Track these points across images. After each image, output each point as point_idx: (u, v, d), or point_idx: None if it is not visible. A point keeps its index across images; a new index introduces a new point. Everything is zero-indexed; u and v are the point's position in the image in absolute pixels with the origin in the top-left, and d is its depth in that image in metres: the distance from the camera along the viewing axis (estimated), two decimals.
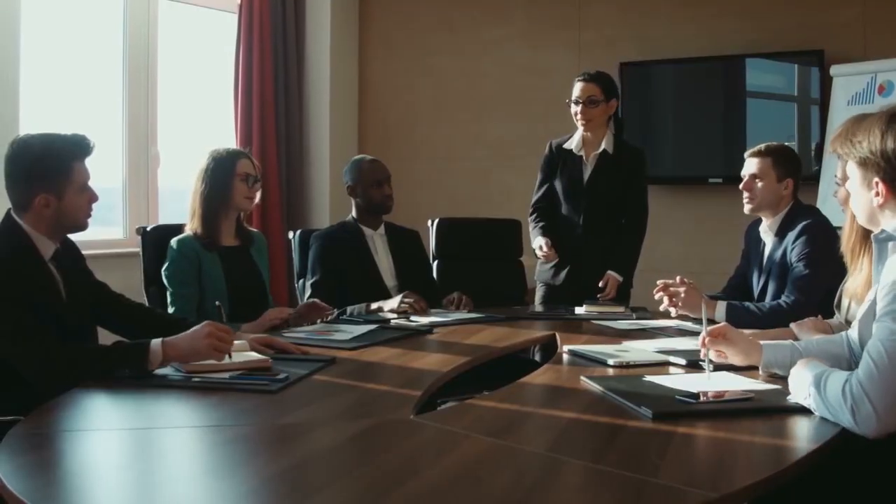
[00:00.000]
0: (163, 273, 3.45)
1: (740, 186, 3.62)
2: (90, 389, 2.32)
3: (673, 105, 6.19)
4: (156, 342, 2.47)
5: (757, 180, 3.57)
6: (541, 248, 4.16)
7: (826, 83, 5.46)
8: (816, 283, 3.29)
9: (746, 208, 3.62)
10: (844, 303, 2.90)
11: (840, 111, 5.26)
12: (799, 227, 3.43)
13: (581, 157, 4.26)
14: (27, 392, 2.40)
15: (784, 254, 3.46)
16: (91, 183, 2.74)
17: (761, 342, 2.49)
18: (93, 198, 2.74)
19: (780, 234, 3.52)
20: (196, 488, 1.61)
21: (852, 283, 2.57)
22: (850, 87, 5.29)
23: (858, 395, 1.89)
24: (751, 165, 3.61)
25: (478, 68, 6.69)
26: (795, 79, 5.68)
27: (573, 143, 4.28)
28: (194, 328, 2.52)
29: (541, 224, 4.30)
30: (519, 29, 6.55)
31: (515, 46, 6.56)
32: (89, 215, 2.74)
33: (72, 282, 2.73)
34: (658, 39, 6.07)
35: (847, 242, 2.57)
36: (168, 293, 3.43)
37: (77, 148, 2.69)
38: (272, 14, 6.24)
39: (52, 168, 2.62)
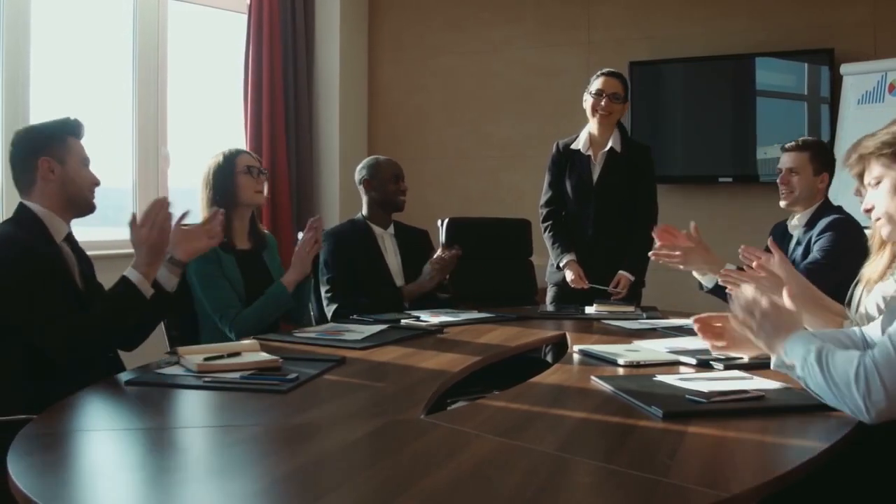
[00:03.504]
0: (190, 278, 3.42)
1: (778, 180, 3.64)
2: (101, 389, 2.33)
3: (683, 104, 6.18)
4: (130, 272, 2.66)
5: (794, 174, 3.60)
6: (572, 281, 4.16)
7: (836, 82, 5.45)
8: (828, 274, 3.26)
9: (782, 203, 3.66)
10: (857, 294, 2.88)
11: (850, 110, 5.26)
12: (825, 222, 3.45)
13: (589, 156, 4.26)
14: (38, 391, 2.42)
15: (807, 248, 3.47)
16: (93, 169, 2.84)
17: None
18: (95, 179, 2.82)
19: (807, 229, 3.55)
20: (207, 488, 1.61)
21: (869, 269, 2.54)
22: (860, 85, 5.27)
23: (871, 374, 1.86)
24: (788, 159, 3.63)
25: (487, 68, 6.70)
26: (805, 78, 5.67)
27: (580, 143, 4.28)
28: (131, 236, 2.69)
29: (559, 237, 4.29)
30: (528, 29, 6.56)
31: (524, 46, 6.57)
32: (93, 193, 2.82)
33: (83, 269, 2.81)
34: (667, 39, 6.07)
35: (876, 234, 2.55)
36: (199, 293, 3.42)
37: (69, 125, 2.81)
38: (282, 14, 6.25)
39: (51, 137, 2.75)
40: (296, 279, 3.50)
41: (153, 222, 2.68)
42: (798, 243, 3.57)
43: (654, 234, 3.25)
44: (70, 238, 2.79)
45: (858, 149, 2.31)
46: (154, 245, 2.68)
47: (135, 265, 2.67)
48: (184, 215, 2.89)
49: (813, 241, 3.47)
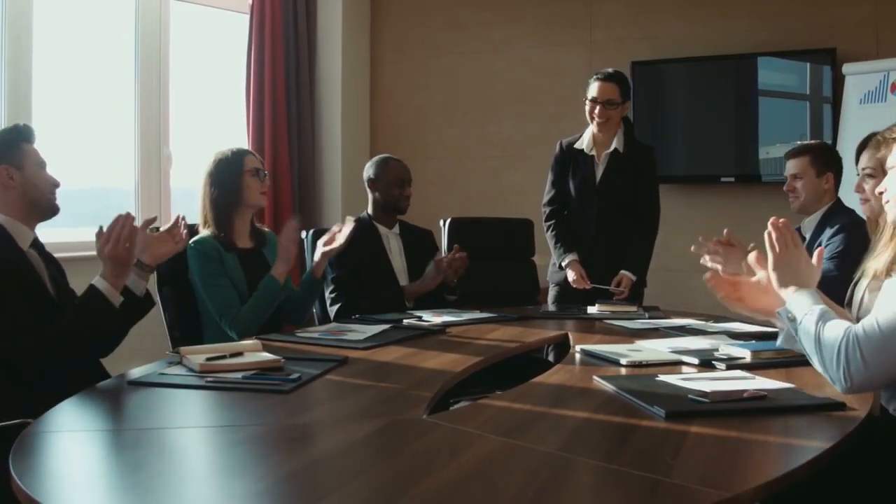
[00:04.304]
0: (193, 278, 3.44)
1: (784, 188, 3.67)
2: (103, 390, 2.34)
3: (685, 104, 6.17)
4: (98, 282, 2.66)
5: (797, 179, 3.63)
6: (574, 281, 4.17)
7: (838, 82, 5.44)
8: (839, 280, 3.26)
9: (792, 207, 3.68)
10: (858, 292, 2.86)
11: (852, 110, 5.26)
12: (836, 225, 3.45)
13: (592, 156, 4.25)
14: (36, 394, 2.42)
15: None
16: (50, 171, 2.84)
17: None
18: (55, 181, 2.82)
19: (819, 230, 3.56)
20: (209, 488, 1.62)
21: (874, 263, 2.52)
22: (862, 85, 5.27)
23: (853, 347, 1.92)
24: (790, 166, 3.68)
25: (489, 68, 6.70)
26: (807, 77, 5.66)
27: (584, 143, 4.28)
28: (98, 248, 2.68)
29: (562, 237, 4.30)
30: (530, 29, 6.56)
31: (526, 46, 6.56)
32: (55, 194, 2.82)
33: (52, 274, 2.80)
34: (669, 38, 6.06)
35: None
36: (202, 293, 3.43)
37: (20, 131, 2.80)
38: (284, 15, 6.25)
39: (6, 144, 2.74)
40: (284, 270, 3.48)
41: (117, 238, 2.67)
42: (809, 246, 3.57)
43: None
44: (36, 244, 2.78)
45: (885, 133, 2.35)
46: (118, 259, 2.68)
47: (103, 275, 2.67)
48: (150, 221, 2.91)
49: (824, 245, 3.47)
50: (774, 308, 2.37)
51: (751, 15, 5.84)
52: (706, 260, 3.12)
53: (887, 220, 2.35)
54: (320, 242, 3.69)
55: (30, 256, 2.71)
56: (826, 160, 3.65)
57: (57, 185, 2.82)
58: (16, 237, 2.68)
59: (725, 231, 3.05)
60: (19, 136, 2.77)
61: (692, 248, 3.14)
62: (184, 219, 3.10)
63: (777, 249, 2.30)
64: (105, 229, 2.70)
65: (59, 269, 2.89)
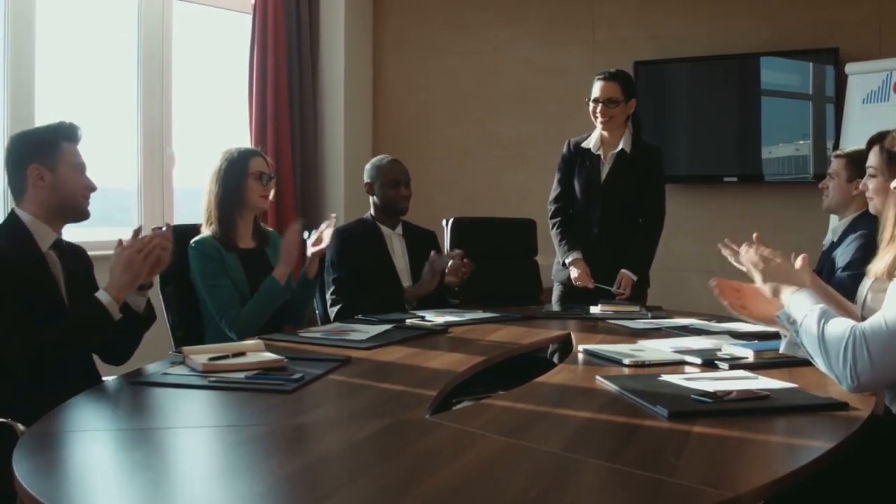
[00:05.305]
0: (194, 278, 3.44)
1: (819, 185, 3.72)
2: (106, 389, 2.34)
3: (687, 104, 6.17)
4: (101, 294, 2.60)
5: (831, 179, 3.67)
6: (576, 279, 4.17)
7: (841, 81, 5.44)
8: (850, 286, 3.26)
9: (823, 205, 3.75)
10: (863, 291, 2.86)
11: (855, 109, 5.25)
12: (859, 232, 3.46)
13: (599, 156, 4.25)
14: (29, 394, 2.43)
15: (837, 255, 3.49)
16: (90, 175, 2.80)
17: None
18: (90, 185, 2.78)
19: (843, 236, 3.56)
20: (212, 488, 1.62)
21: (876, 266, 2.52)
22: (865, 85, 5.26)
23: (860, 345, 1.92)
24: (831, 164, 3.70)
25: (491, 68, 6.70)
26: (810, 77, 5.66)
27: (591, 142, 4.28)
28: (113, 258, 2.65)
29: (567, 235, 4.30)
30: (532, 29, 6.55)
31: (528, 46, 6.56)
32: (87, 199, 2.78)
33: (73, 273, 2.77)
34: (672, 38, 6.06)
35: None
36: (203, 294, 3.44)
37: (62, 129, 2.75)
38: (286, 14, 6.25)
39: (42, 143, 2.70)
40: (286, 272, 3.49)
41: (142, 246, 2.65)
42: (832, 249, 3.57)
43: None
44: (59, 245, 2.74)
45: None
46: (132, 265, 2.63)
47: (107, 287, 2.62)
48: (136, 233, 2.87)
49: (840, 254, 3.46)
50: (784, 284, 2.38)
51: (753, 15, 5.83)
52: (729, 257, 3.12)
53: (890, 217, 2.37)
54: (309, 242, 3.68)
55: (48, 258, 2.68)
56: (860, 167, 3.62)
57: (93, 188, 2.77)
58: (37, 237, 2.66)
59: (755, 235, 3.05)
60: (59, 134, 2.72)
61: (718, 244, 3.13)
62: (168, 225, 2.97)
63: (760, 266, 2.33)
64: (125, 241, 2.69)
65: (85, 265, 2.88)
